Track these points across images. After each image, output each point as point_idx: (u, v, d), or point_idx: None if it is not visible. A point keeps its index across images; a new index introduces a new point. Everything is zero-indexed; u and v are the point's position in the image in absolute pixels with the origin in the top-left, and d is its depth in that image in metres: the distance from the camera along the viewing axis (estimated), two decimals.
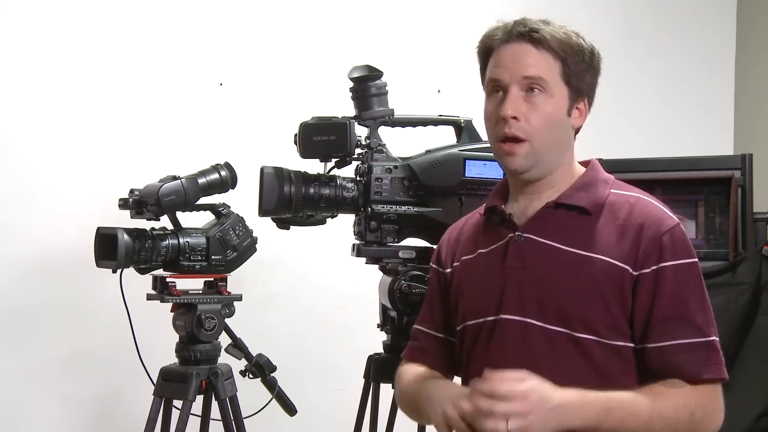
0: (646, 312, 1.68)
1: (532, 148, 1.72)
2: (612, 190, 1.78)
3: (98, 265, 2.71)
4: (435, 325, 1.93)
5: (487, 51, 1.79)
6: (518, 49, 1.73)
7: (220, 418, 2.77)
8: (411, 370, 1.91)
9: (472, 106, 2.99)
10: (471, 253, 1.85)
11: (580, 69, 1.75)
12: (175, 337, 2.82)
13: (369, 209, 2.61)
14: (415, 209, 2.63)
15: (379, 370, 2.72)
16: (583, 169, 1.82)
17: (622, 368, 1.69)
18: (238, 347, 2.86)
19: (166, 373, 2.77)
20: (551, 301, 1.69)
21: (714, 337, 1.69)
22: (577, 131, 1.81)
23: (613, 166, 2.21)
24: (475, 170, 2.64)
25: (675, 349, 1.66)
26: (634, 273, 1.68)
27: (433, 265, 1.96)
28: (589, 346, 1.68)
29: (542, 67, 1.72)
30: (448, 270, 1.90)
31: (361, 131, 2.66)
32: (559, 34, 1.73)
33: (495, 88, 1.76)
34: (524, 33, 1.73)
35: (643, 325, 1.68)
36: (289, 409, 2.94)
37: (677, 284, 1.68)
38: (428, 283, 1.98)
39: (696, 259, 1.72)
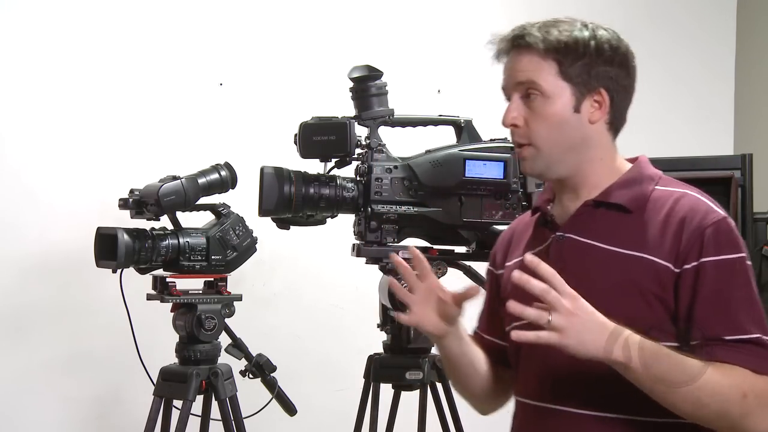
0: (687, 310, 1.63)
1: (539, 151, 1.72)
2: (657, 187, 1.75)
3: (98, 265, 2.71)
4: (486, 328, 1.95)
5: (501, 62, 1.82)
6: (512, 58, 1.76)
7: (220, 418, 2.77)
8: None
9: (472, 106, 3.00)
10: (521, 255, 1.83)
11: (582, 63, 1.72)
12: (175, 337, 2.82)
13: (369, 209, 2.61)
14: (415, 209, 2.63)
15: (379, 370, 2.72)
16: (628, 166, 1.80)
17: None
18: (238, 347, 2.86)
19: (166, 373, 2.77)
20: (590, 300, 1.64)
21: (760, 335, 1.62)
22: (613, 126, 1.77)
23: None
24: (475, 170, 2.64)
25: (716, 346, 1.61)
26: (676, 270, 1.64)
27: (489, 268, 1.96)
28: None
29: (532, 71, 1.72)
30: (501, 271, 1.90)
31: (361, 131, 2.66)
32: (552, 33, 1.72)
33: (506, 97, 1.78)
34: (511, 40, 1.75)
35: (685, 324, 1.64)
36: (289, 409, 2.94)
37: (719, 280, 1.62)
38: (486, 285, 1.99)
39: (744, 254, 1.66)
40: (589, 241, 1.72)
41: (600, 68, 1.74)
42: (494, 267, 1.94)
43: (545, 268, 1.60)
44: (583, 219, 1.74)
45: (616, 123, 1.78)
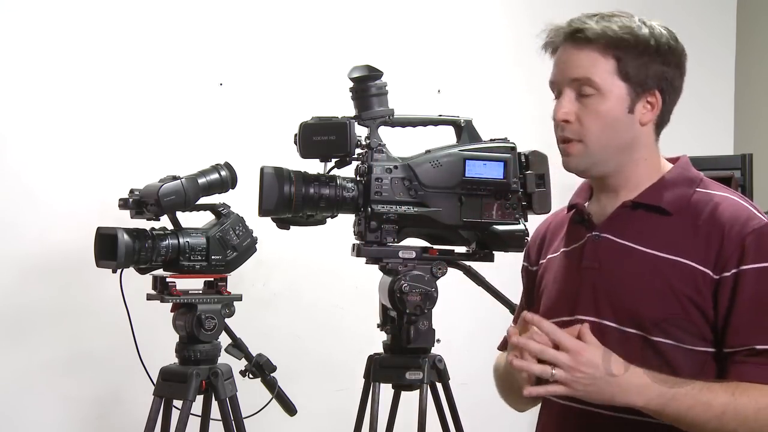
0: (724, 317, 1.61)
1: (587, 148, 1.68)
2: (698, 189, 1.72)
3: (98, 265, 2.71)
4: None
5: (552, 53, 1.76)
6: (567, 51, 1.70)
7: (220, 418, 2.77)
8: (502, 356, 1.90)
9: (472, 106, 3.00)
10: (556, 252, 1.83)
11: (641, 62, 1.68)
12: (175, 337, 2.82)
13: (369, 209, 2.61)
14: (415, 209, 2.63)
15: (379, 370, 2.72)
16: (669, 167, 1.76)
17: (705, 374, 1.62)
18: (238, 347, 2.86)
19: (166, 373, 2.77)
20: (624, 302, 1.66)
21: None
22: (658, 126, 1.75)
23: None
24: (475, 170, 2.64)
25: (746, 363, 1.59)
26: (715, 277, 1.61)
27: (524, 263, 1.96)
28: (665, 350, 1.62)
29: (589, 67, 1.67)
30: (535, 268, 1.89)
31: (361, 131, 2.66)
32: (612, 29, 1.67)
33: (554, 91, 1.74)
34: (569, 33, 1.69)
35: (722, 331, 1.61)
36: (289, 409, 2.94)
37: (759, 288, 1.59)
38: (522, 280, 1.99)
39: None
40: (626, 243, 1.69)
41: (657, 68, 1.70)
42: (529, 263, 1.94)
43: (546, 325, 1.59)
44: (621, 220, 1.71)
45: (661, 124, 1.76)
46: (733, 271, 1.61)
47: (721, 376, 1.63)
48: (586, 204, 1.81)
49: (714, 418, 1.56)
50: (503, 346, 1.94)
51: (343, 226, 2.75)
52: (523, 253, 2.02)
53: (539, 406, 1.87)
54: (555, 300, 1.74)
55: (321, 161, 2.67)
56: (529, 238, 2.06)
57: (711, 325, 1.63)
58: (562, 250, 1.82)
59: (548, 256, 1.85)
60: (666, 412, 1.57)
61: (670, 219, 1.68)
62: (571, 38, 1.69)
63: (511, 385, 1.85)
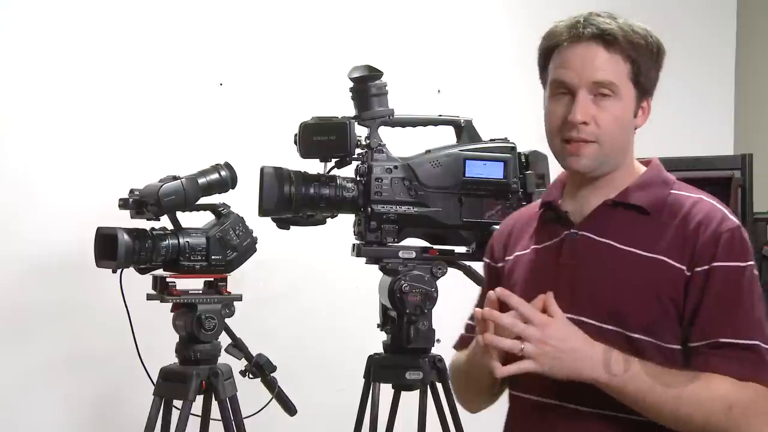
0: (692, 311, 1.63)
1: (601, 150, 1.68)
2: (672, 191, 1.74)
3: (98, 265, 2.71)
4: None
5: (549, 50, 1.72)
6: (588, 51, 1.67)
7: (220, 418, 2.77)
8: (461, 354, 1.90)
9: (472, 106, 3.00)
10: (525, 249, 1.83)
11: (648, 67, 1.70)
12: (175, 337, 2.82)
13: (369, 209, 2.62)
14: (415, 209, 2.63)
15: (378, 370, 2.73)
16: (643, 168, 1.79)
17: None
18: (238, 347, 2.86)
19: (166, 373, 2.77)
20: (604, 299, 1.67)
21: (758, 342, 1.61)
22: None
23: None
24: (475, 170, 2.64)
25: (708, 354, 1.61)
26: (687, 273, 1.64)
27: (486, 260, 1.95)
28: (643, 347, 1.63)
29: (613, 71, 1.66)
30: (501, 264, 1.88)
31: (361, 131, 2.66)
32: (631, 33, 1.68)
33: (561, 90, 1.70)
34: (596, 35, 1.66)
35: (689, 326, 1.64)
36: (289, 409, 2.94)
37: (727, 285, 1.63)
38: (483, 278, 1.98)
39: (752, 263, 1.66)
40: (605, 241, 1.71)
41: (654, 74, 1.73)
42: (492, 260, 1.92)
43: (515, 300, 1.61)
44: (601, 218, 1.73)
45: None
46: (705, 267, 1.64)
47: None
48: (559, 202, 1.81)
49: (671, 399, 1.58)
50: (460, 345, 1.94)
51: (343, 226, 2.75)
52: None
53: (499, 405, 1.88)
54: (530, 297, 1.74)
55: (321, 161, 2.68)
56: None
57: (680, 321, 1.65)
58: (533, 247, 1.82)
59: (515, 253, 1.85)
60: (627, 389, 1.59)
61: (647, 218, 1.71)
62: (597, 39, 1.67)
63: (472, 380, 1.84)
